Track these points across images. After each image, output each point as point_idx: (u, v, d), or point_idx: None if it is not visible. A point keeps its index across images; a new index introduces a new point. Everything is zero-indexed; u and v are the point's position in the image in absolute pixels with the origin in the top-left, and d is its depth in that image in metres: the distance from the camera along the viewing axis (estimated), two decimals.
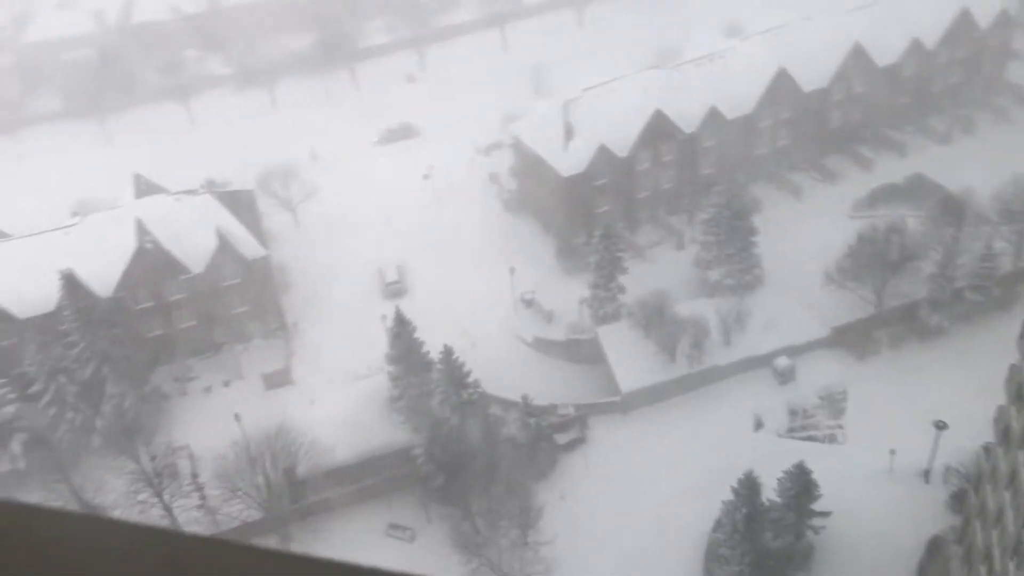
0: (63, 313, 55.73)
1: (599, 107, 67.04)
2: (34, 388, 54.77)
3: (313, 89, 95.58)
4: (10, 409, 52.68)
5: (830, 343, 58.33)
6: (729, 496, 43.06)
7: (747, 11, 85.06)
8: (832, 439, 53.09)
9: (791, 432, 53.81)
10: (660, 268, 65.63)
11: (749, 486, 41.91)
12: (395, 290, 66.58)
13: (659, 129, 67.27)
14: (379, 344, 56.61)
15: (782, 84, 70.43)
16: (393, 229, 71.97)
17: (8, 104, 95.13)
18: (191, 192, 65.70)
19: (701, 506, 47.51)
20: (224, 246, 61.23)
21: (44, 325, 56.16)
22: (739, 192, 64.87)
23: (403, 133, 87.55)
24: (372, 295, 66.75)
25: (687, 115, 68.02)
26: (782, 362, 56.79)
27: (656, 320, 56.80)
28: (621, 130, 66.61)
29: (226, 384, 60.77)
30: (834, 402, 54.77)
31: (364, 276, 68.37)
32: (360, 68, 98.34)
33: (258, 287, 63.54)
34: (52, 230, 62.91)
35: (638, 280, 60.90)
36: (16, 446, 52.66)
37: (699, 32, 77.94)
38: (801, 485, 42.56)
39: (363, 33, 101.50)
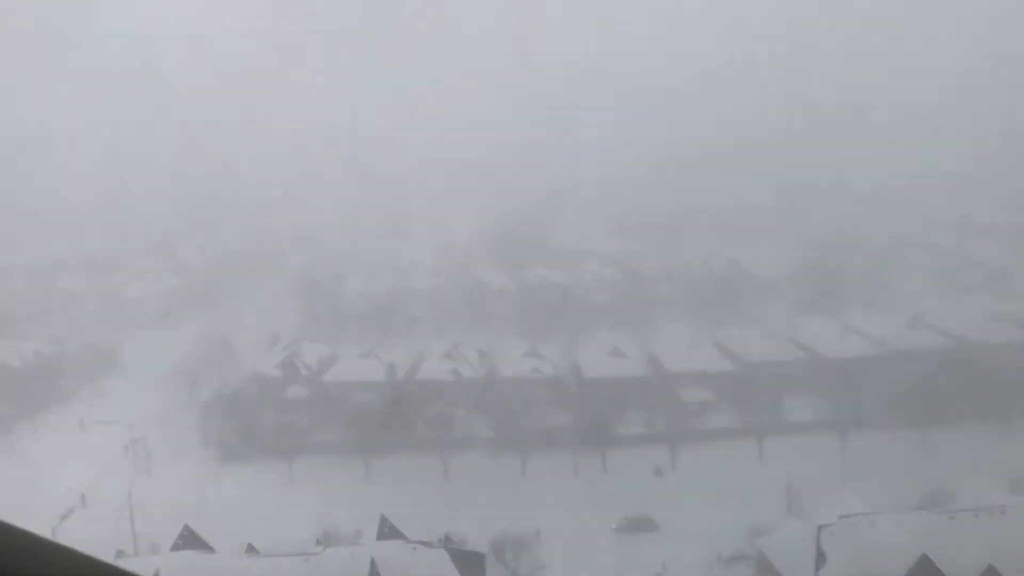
0: None
1: (856, 539, 62.53)
2: None
3: (562, 465, 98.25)
4: None
5: None
6: None
7: None
8: None
9: None
10: None
11: None
12: None
13: None
14: None
15: None
16: None
17: (295, 432, 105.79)
18: (427, 544, 67.38)
19: None
20: None
21: None
22: None
23: (642, 525, 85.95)
24: None
25: (958, 568, 61.29)
26: None
27: None
28: (879, 569, 61.06)
29: None
30: None
31: None
32: (611, 454, 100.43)
33: None
34: (295, 554, 66.24)
35: None
36: None
37: (977, 480, 72.64)
38: None
39: (620, 422, 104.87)
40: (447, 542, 71.80)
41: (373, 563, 62.20)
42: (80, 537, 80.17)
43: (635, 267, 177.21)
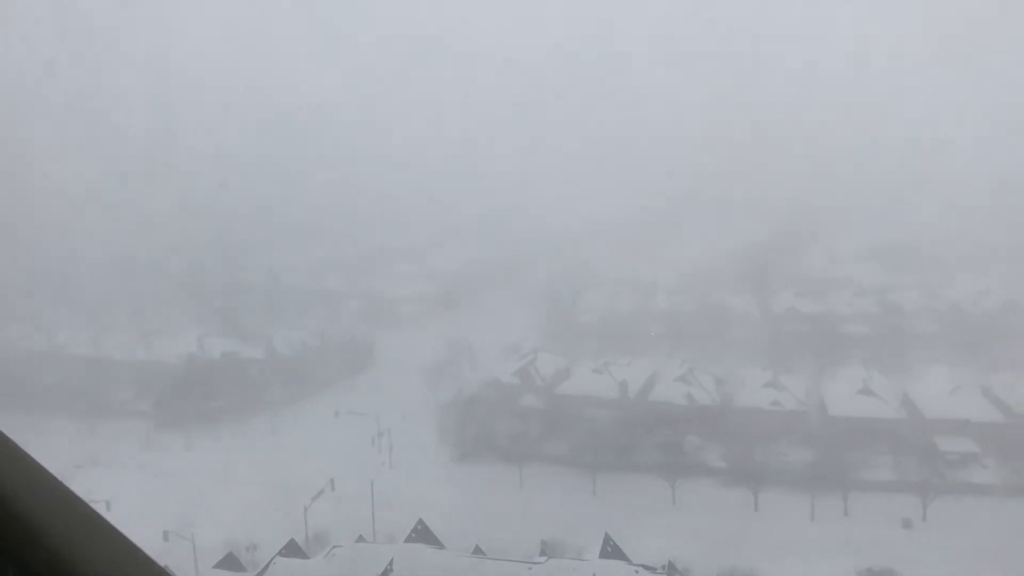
0: None
1: None
2: None
3: (799, 505, 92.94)
4: None
5: None
6: None
7: None
8: None
9: None
10: None
11: None
12: None
13: None
14: None
15: None
16: None
17: (527, 440, 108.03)
18: (650, 569, 66.18)
19: None
20: None
21: None
22: None
23: None
24: None
25: None
26: None
27: None
28: None
29: None
30: None
31: None
32: (853, 498, 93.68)
33: None
34: (520, 561, 67.54)
35: None
36: None
37: None
38: None
39: (866, 466, 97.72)
40: (671, 570, 70.10)
41: None
42: (327, 518, 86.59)
43: (895, 301, 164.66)
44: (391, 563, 64.82)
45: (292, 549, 72.50)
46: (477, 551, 71.56)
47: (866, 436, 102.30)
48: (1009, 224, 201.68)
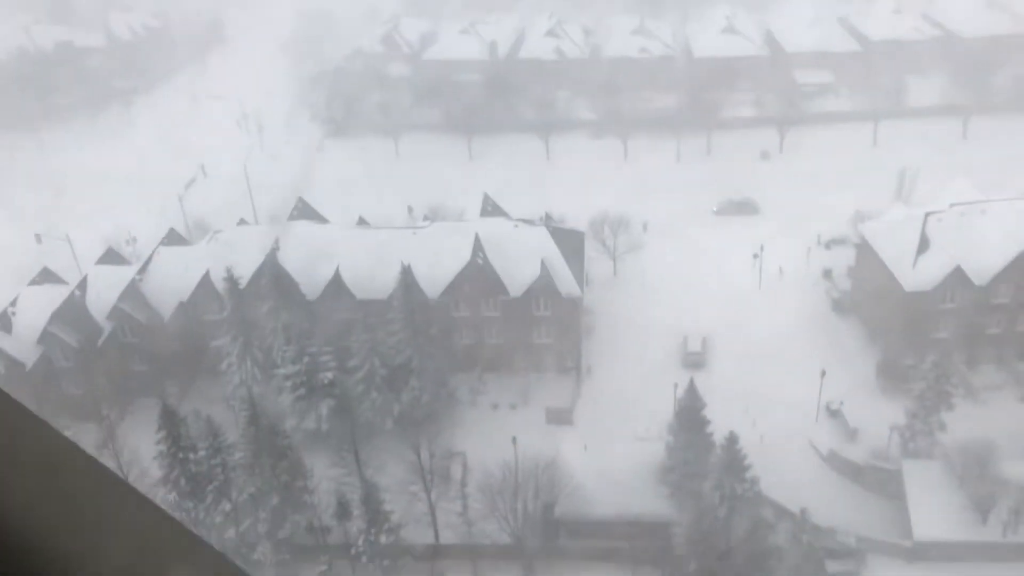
0: (393, 302, 60.95)
1: (964, 226, 61.15)
2: (352, 362, 60.31)
3: (665, 148, 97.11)
4: (328, 375, 58.28)
5: None
6: None
7: None
8: None
9: None
10: (993, 415, 58.12)
11: None
12: (694, 361, 65.13)
13: None
14: (664, 410, 55.61)
15: None
16: (709, 300, 70.63)
17: (399, 110, 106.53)
18: (528, 221, 69.32)
19: None
20: (544, 278, 63.64)
21: (375, 309, 61.76)
22: None
23: (743, 208, 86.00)
24: (670, 360, 65.78)
25: None
26: None
27: (974, 472, 50.31)
28: (984, 256, 60.19)
29: (512, 407, 62.91)
30: None
31: (667, 339, 67.58)
32: (716, 136, 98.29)
33: (564, 324, 65.26)
34: (404, 228, 69.51)
35: (964, 422, 54.35)
36: (324, 409, 58.08)
37: None
38: None
39: (729, 104, 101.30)
40: (547, 219, 73.64)
41: (477, 238, 64.72)
42: (204, 206, 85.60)
43: None
44: (277, 241, 65.69)
45: (174, 238, 72.14)
46: (362, 222, 72.81)
47: (729, 76, 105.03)
48: None
